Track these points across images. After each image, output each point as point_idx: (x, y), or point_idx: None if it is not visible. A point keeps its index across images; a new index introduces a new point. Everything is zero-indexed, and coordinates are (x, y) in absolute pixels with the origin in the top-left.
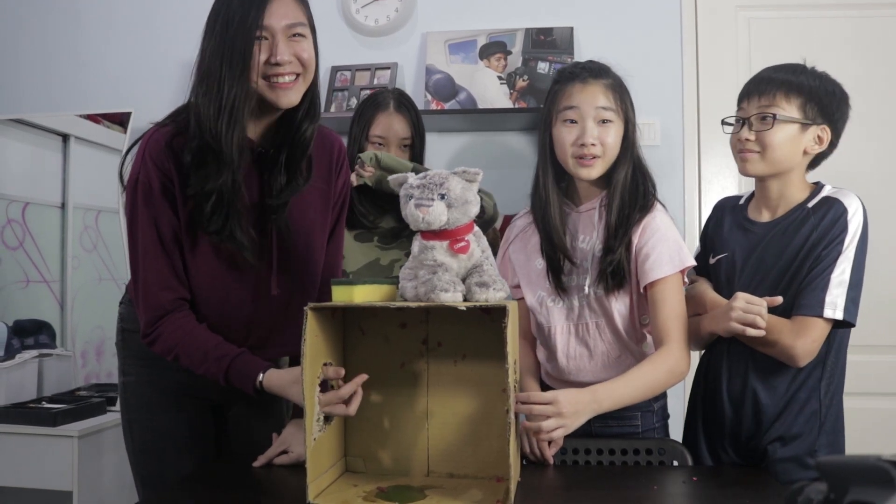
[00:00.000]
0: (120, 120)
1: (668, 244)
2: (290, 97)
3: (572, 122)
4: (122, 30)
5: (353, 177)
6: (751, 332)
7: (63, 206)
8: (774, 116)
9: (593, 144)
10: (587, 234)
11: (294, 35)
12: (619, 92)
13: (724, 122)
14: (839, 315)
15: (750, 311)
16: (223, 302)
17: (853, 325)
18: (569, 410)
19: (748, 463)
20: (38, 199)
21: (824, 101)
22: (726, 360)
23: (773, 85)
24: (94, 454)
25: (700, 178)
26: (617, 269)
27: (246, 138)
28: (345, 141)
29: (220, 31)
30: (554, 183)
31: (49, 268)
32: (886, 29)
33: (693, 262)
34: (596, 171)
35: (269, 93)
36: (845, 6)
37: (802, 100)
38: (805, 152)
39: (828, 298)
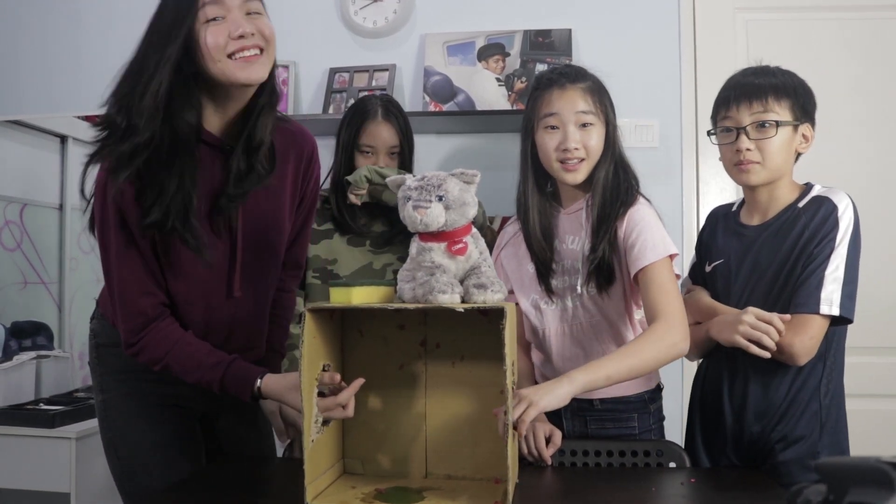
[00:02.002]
0: None
1: (651, 232)
2: (259, 71)
3: (554, 128)
4: (121, 31)
5: (351, 197)
6: (755, 350)
7: (61, 207)
8: (777, 123)
9: (576, 148)
10: (575, 235)
11: (250, 13)
12: (598, 94)
13: (711, 133)
14: (835, 311)
15: (758, 328)
16: (204, 304)
17: (850, 321)
18: (528, 392)
19: (748, 465)
20: (36, 200)
21: (803, 99)
22: (726, 365)
23: (761, 90)
24: (91, 456)
25: (698, 180)
26: (602, 265)
27: (196, 122)
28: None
29: (151, 25)
30: (535, 189)
31: (47, 269)
32: (884, 31)
33: (676, 250)
34: (581, 174)
35: (238, 70)
36: (843, 8)
37: (791, 101)
38: (795, 152)
39: (823, 295)
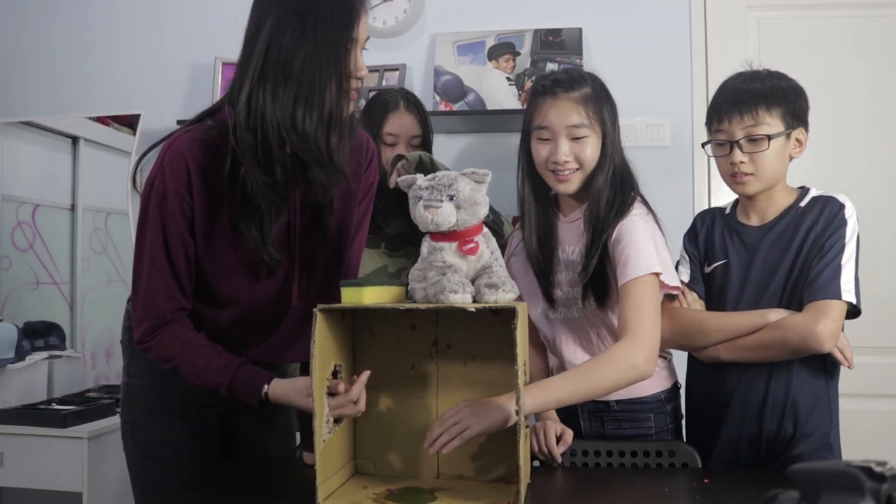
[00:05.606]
0: (129, 122)
1: (637, 247)
2: (351, 106)
3: (546, 139)
4: (131, 31)
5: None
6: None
7: (73, 207)
8: (769, 137)
9: (566, 161)
10: (575, 245)
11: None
12: (595, 102)
13: (705, 145)
14: (852, 298)
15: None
16: (248, 300)
17: (859, 313)
18: (465, 414)
19: (763, 464)
20: (48, 201)
21: (795, 103)
22: (734, 364)
23: (751, 101)
24: (103, 455)
25: (709, 179)
26: (594, 279)
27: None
28: None
29: (314, 35)
30: (532, 196)
31: (59, 269)
32: None
33: (659, 269)
34: (573, 185)
35: (350, 103)
36: (855, 6)
37: (782, 109)
38: (790, 158)
39: (842, 281)
